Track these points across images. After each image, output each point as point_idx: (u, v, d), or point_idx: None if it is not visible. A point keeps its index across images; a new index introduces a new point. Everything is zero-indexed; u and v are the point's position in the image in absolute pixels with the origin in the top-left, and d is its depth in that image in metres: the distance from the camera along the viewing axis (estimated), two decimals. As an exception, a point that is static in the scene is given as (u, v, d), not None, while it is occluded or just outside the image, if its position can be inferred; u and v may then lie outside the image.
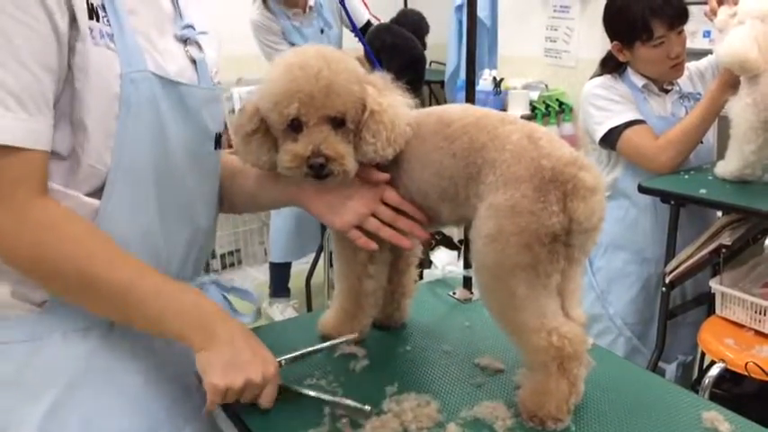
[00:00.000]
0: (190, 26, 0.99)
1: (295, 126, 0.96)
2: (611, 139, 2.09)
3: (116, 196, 0.88)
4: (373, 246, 1.02)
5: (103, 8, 0.85)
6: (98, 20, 0.83)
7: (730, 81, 1.99)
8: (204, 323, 0.91)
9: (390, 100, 1.01)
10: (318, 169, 0.95)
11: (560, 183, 0.87)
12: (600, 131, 2.11)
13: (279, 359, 0.98)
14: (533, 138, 0.91)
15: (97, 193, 0.88)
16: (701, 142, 2.16)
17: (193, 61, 0.99)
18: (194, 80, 0.98)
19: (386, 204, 1.03)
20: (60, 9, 0.79)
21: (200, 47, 1.01)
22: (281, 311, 3.36)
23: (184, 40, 0.99)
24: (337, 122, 0.96)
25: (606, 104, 2.11)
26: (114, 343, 0.94)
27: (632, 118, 2.08)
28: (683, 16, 2.04)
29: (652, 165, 2.06)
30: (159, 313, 0.89)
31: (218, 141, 1.02)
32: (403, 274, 1.16)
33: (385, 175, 1.02)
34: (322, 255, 3.19)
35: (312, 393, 0.98)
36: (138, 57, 0.87)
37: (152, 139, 0.90)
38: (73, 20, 0.80)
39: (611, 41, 2.14)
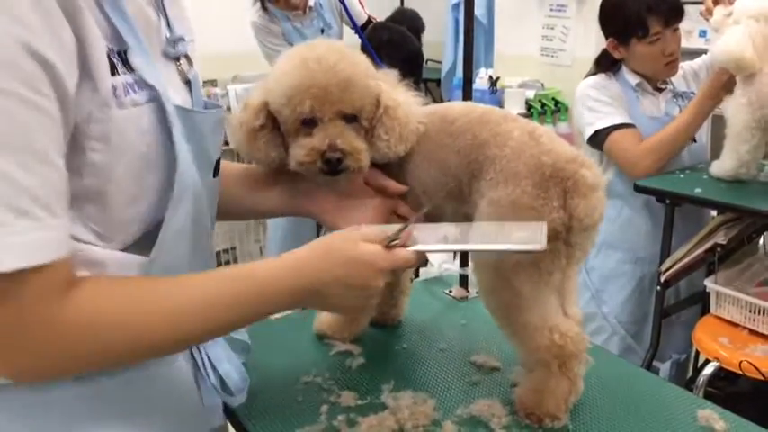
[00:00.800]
0: (181, 38, 0.84)
1: (307, 121, 0.93)
2: (598, 140, 2.10)
3: (164, 250, 0.77)
4: None
5: (115, 52, 0.71)
6: (119, 73, 0.70)
7: (715, 90, 2.00)
8: (277, 299, 0.80)
9: (403, 96, 0.99)
10: (335, 164, 0.92)
11: (561, 179, 0.87)
12: (588, 132, 2.12)
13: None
14: (534, 135, 0.91)
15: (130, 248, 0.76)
16: (694, 140, 2.17)
17: (186, 81, 0.85)
18: (188, 102, 0.84)
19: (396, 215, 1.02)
20: (69, 70, 0.64)
21: (190, 61, 0.87)
22: (276, 309, 3.35)
23: (176, 57, 0.84)
24: (349, 118, 0.94)
25: (596, 105, 2.12)
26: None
27: (620, 121, 2.08)
28: (678, 14, 2.05)
29: (633, 170, 2.08)
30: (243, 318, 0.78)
31: (216, 168, 0.89)
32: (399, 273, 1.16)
33: (403, 187, 1.00)
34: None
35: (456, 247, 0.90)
36: (165, 95, 0.75)
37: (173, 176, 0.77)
38: (86, 79, 0.66)
39: (607, 39, 2.15)
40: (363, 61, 0.97)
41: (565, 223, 0.87)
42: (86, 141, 0.67)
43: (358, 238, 0.82)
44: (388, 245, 0.82)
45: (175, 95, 0.79)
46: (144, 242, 0.76)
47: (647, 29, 2.02)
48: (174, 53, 0.83)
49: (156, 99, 0.73)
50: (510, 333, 0.95)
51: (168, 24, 0.84)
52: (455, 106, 1.02)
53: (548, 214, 0.87)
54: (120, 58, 0.71)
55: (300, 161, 0.94)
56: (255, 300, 0.78)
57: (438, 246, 0.87)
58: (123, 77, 0.70)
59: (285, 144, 0.97)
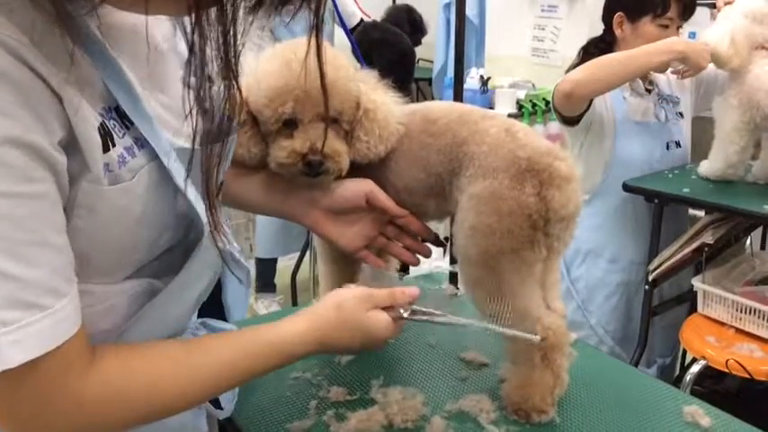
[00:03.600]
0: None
1: (288, 122, 0.94)
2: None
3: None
4: (381, 264, 1.02)
5: (113, 110, 0.67)
6: (113, 144, 0.66)
7: (684, 51, 1.92)
8: (293, 358, 0.82)
9: (383, 98, 1.01)
10: (316, 167, 0.94)
11: (536, 172, 0.90)
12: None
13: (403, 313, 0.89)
14: (511, 131, 0.94)
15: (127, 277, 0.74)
16: (678, 145, 2.18)
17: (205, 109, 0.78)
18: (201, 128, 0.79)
19: (391, 223, 1.03)
20: (59, 152, 0.61)
21: (211, 81, 0.82)
22: (266, 307, 3.35)
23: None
24: (330, 120, 0.95)
25: None
26: None
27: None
28: (692, 11, 2.07)
29: (557, 85, 1.96)
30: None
31: (218, 190, 0.86)
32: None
33: (403, 211, 1.01)
34: (308, 251, 3.19)
35: (462, 321, 0.91)
36: (167, 146, 0.71)
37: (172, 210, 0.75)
38: (76, 158, 0.63)
39: (614, 14, 2.12)
40: (345, 64, 0.98)
41: (542, 214, 0.89)
42: (72, 207, 0.64)
43: (370, 306, 0.86)
44: (395, 318, 0.88)
45: (187, 127, 0.74)
46: (139, 272, 0.74)
47: (668, 7, 2.03)
48: (197, 83, 0.77)
49: (157, 156, 0.70)
50: None
51: (190, 46, 0.76)
52: (436, 106, 1.04)
53: (525, 203, 0.89)
54: (120, 114, 0.68)
55: (281, 162, 0.95)
56: (276, 363, 0.80)
57: (439, 315, 0.91)
58: (119, 146, 0.67)
59: (265, 141, 0.98)
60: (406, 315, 0.89)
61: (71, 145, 0.62)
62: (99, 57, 0.65)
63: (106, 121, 0.66)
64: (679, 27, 2.08)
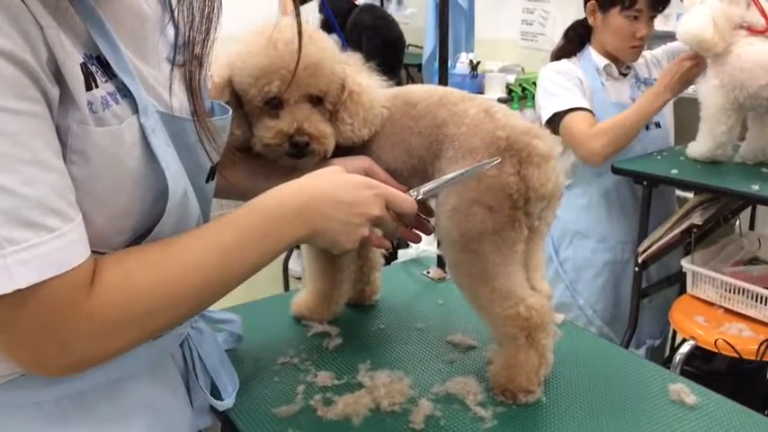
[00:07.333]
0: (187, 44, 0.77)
1: (273, 102, 0.94)
2: (554, 124, 2.08)
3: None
4: (384, 244, 1.02)
5: (94, 58, 0.67)
6: (96, 85, 0.65)
7: (675, 82, 2.00)
8: (285, 222, 0.77)
9: (367, 81, 1.01)
10: (302, 148, 0.94)
11: (515, 151, 0.90)
12: (545, 116, 2.11)
13: (413, 193, 0.90)
14: (490, 111, 0.94)
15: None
16: (658, 125, 2.18)
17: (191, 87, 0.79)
18: (186, 108, 0.79)
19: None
20: (48, 78, 0.60)
21: (200, 63, 0.80)
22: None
23: (181, 63, 0.78)
24: (315, 100, 0.96)
25: (554, 89, 2.11)
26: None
27: (576, 105, 2.06)
28: (664, 3, 2.06)
29: (583, 151, 2.04)
30: (250, 253, 0.75)
31: (211, 174, 0.84)
32: (369, 247, 1.17)
33: (402, 187, 0.97)
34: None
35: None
36: (146, 102, 0.70)
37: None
38: (64, 92, 0.62)
39: (587, 1, 2.14)
40: (330, 45, 0.98)
41: (522, 193, 0.89)
42: (66, 152, 0.63)
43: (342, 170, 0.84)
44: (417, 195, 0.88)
45: (174, 101, 0.76)
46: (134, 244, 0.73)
47: (635, 0, 2.03)
48: (178, 59, 0.78)
49: (138, 110, 0.69)
50: (478, 306, 0.96)
51: (176, 25, 0.79)
52: (416, 89, 1.04)
53: (505, 182, 0.89)
54: (101, 63, 0.67)
55: (267, 143, 0.95)
56: (264, 230, 0.76)
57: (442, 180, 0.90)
58: (102, 89, 0.66)
59: (249, 122, 0.97)
60: (419, 196, 0.89)
61: (56, 75, 0.61)
62: (81, 4, 0.65)
63: (88, 64, 0.65)
64: (652, 17, 2.07)
